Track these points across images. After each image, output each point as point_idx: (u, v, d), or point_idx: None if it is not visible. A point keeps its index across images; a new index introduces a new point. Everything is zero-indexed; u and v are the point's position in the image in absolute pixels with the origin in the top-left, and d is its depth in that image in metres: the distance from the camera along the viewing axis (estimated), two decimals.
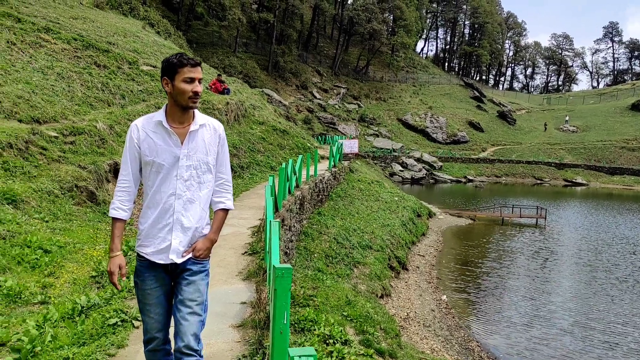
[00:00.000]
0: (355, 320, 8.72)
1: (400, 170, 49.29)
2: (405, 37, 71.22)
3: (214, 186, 3.13)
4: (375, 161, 47.07)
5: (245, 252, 7.91)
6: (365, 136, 58.16)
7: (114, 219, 2.98)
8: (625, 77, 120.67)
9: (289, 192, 12.48)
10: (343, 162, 24.79)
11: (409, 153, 54.22)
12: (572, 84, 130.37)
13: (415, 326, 12.38)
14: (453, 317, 13.58)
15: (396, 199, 23.91)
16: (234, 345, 4.62)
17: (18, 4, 18.07)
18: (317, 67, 69.00)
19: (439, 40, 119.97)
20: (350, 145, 26.78)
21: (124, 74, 16.54)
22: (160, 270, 2.97)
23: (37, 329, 4.62)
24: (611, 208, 37.32)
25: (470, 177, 53.34)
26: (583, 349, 11.95)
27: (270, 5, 58.31)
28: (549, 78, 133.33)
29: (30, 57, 14.32)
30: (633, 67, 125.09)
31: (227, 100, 20.06)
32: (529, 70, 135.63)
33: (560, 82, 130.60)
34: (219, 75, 23.88)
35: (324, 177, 17.75)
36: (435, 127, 64.21)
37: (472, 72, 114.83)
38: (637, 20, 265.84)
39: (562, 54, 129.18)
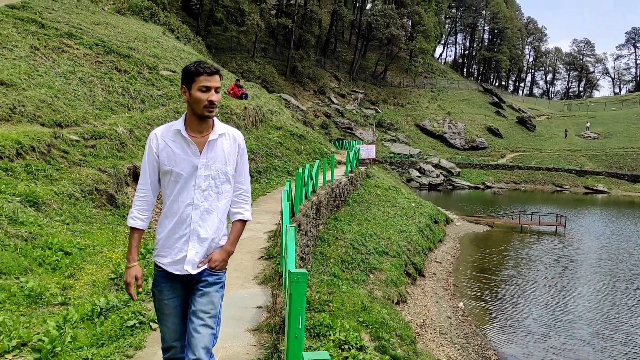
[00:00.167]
0: (370, 326, 8.71)
1: (417, 176, 49.09)
2: (423, 42, 71.07)
3: (233, 196, 3.07)
4: (392, 167, 46.94)
5: (262, 257, 7.95)
6: (383, 141, 58.06)
7: (132, 229, 2.96)
8: None
9: (306, 197, 12.52)
10: (360, 167, 24.78)
11: (426, 159, 53.99)
12: (594, 90, 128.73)
13: (431, 333, 12.30)
14: (470, 325, 13.46)
15: (413, 204, 23.82)
16: (249, 348, 4.65)
17: (42, 10, 18.44)
18: (335, 72, 69.14)
19: (457, 46, 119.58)
20: (367, 151, 26.78)
21: (144, 78, 16.77)
22: (176, 280, 2.93)
23: (57, 330, 4.70)
24: (633, 216, 36.72)
25: (489, 184, 52.89)
26: None
27: (289, 11, 58.71)
28: (569, 84, 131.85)
29: (53, 62, 14.60)
30: None
31: (245, 105, 20.21)
32: (550, 76, 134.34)
33: (581, 88, 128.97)
34: (237, 80, 24.07)
35: (340, 183, 17.77)
36: (453, 132, 63.87)
37: (492, 77, 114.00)
38: None
39: (584, 60, 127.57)
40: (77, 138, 10.86)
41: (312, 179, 13.42)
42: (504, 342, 12.63)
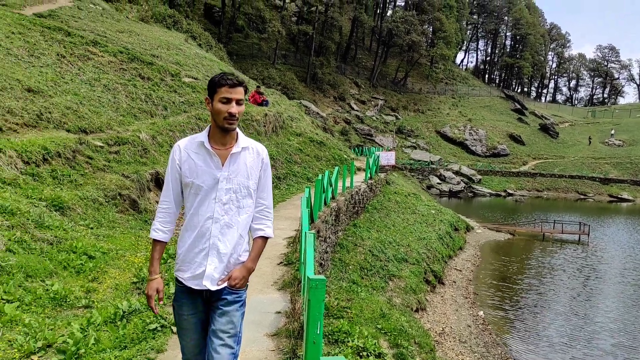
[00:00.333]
0: (389, 334, 8.70)
1: (437, 183, 48.80)
2: (444, 48, 70.77)
3: (254, 212, 3.01)
4: (412, 173, 46.77)
5: (281, 263, 8.02)
6: (403, 148, 57.88)
7: (154, 241, 2.94)
8: None
9: (325, 204, 12.56)
10: (379, 174, 24.76)
11: (447, 165, 53.65)
12: (618, 97, 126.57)
13: (450, 341, 12.21)
14: (490, 334, 13.33)
15: (433, 212, 23.70)
16: (268, 353, 4.71)
17: (68, 19, 18.89)
18: (355, 79, 69.23)
19: (479, 52, 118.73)
20: (387, 157, 26.73)
21: (166, 85, 17.04)
22: (197, 296, 2.88)
23: (81, 332, 4.82)
24: None
25: (510, 191, 52.29)
26: None
27: (309, 18, 59.04)
28: (593, 90, 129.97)
29: (79, 70, 14.92)
30: None
31: (266, 111, 20.38)
32: (573, 82, 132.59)
33: (605, 95, 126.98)
34: (258, 87, 24.27)
35: (360, 189, 17.77)
36: (474, 139, 63.37)
37: (514, 84, 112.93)
38: None
39: (608, 66, 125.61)
40: (102, 144, 11.08)
41: (331, 186, 13.46)
42: (525, 352, 12.48)
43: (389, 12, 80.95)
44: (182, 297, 2.90)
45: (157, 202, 10.54)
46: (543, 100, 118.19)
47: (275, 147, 18.91)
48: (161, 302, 2.94)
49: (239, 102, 2.83)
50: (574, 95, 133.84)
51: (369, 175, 20.52)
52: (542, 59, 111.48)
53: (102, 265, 7.21)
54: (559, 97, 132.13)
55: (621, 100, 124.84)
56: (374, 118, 62.19)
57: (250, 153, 2.95)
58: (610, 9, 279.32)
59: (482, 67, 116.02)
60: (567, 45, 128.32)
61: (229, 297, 2.86)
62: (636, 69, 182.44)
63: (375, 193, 21.70)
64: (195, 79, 18.84)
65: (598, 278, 19.84)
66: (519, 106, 79.77)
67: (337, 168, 14.95)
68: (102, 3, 26.66)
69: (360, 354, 6.10)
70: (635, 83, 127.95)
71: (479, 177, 53.03)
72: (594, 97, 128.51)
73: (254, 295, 6.32)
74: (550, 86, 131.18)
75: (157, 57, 19.11)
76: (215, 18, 55.94)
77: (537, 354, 12.38)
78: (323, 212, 11.82)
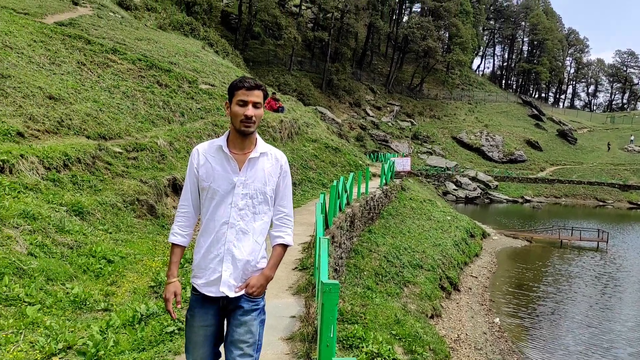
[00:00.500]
0: (403, 340, 8.72)
1: (454, 189, 48.55)
2: (460, 54, 70.54)
3: (274, 219, 2.98)
4: (428, 179, 46.57)
5: (296, 268, 8.09)
6: (419, 154, 57.70)
7: (173, 245, 2.92)
8: None
9: (340, 210, 12.62)
10: (395, 180, 24.74)
11: (463, 172, 53.35)
12: (638, 102, 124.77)
13: (466, 348, 12.16)
14: (506, 341, 13.25)
15: (449, 218, 23.61)
16: (283, 357, 4.77)
17: (88, 27, 19.24)
18: (371, 85, 69.28)
19: (496, 58, 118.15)
20: (403, 163, 26.70)
21: (183, 92, 17.25)
22: (212, 306, 2.82)
23: (100, 334, 4.93)
24: None
25: (528, 198, 51.80)
26: None
27: (325, 24, 59.27)
28: (612, 96, 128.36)
29: (98, 77, 15.20)
30: None
31: (282, 118, 20.52)
32: (592, 88, 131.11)
33: (625, 101, 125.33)
34: (274, 93, 24.44)
35: (375, 195, 17.79)
36: (491, 145, 62.95)
37: (531, 89, 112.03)
38: None
39: (627, 72, 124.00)
40: (120, 150, 11.27)
41: (346, 192, 13.51)
42: None
43: (405, 18, 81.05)
44: (196, 306, 2.84)
45: (174, 207, 10.71)
46: (561, 106, 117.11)
47: (290, 153, 19.02)
48: (179, 306, 2.89)
49: (256, 105, 2.80)
50: (593, 100, 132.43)
51: (384, 181, 20.52)
52: (560, 64, 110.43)
53: (121, 269, 7.34)
54: (577, 103, 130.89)
55: None
56: (390, 124, 62.13)
57: (269, 159, 2.91)
58: (629, 14, 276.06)
59: (498, 72, 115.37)
60: (586, 50, 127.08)
61: (246, 306, 2.80)
62: None
63: (391, 199, 21.69)
64: (212, 85, 19.05)
65: (616, 286, 19.58)
66: (536, 112, 79.10)
67: (352, 174, 15.00)
68: (122, 11, 27.12)
69: (375, 359, 6.13)
70: None
71: (496, 183, 52.65)
72: (613, 102, 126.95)
73: (269, 300, 6.38)
74: (568, 92, 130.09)
75: (175, 64, 19.37)
76: (232, 25, 56.46)
77: None
78: (338, 218, 11.87)
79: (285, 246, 2.99)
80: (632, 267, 23.27)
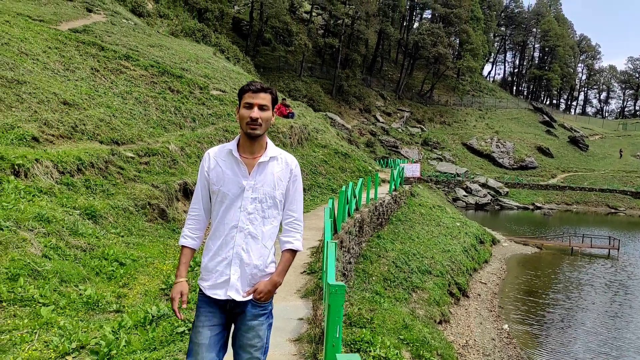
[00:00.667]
0: (411, 344, 8.76)
1: (464, 196, 48.41)
2: (471, 60, 70.49)
3: (283, 224, 2.97)
4: (438, 186, 46.51)
5: (304, 272, 8.18)
6: (429, 160, 57.65)
7: (182, 247, 2.93)
8: None
9: (349, 215, 12.69)
10: (404, 186, 24.76)
11: (473, 178, 53.20)
12: None
13: (474, 354, 12.16)
14: (514, 348, 13.22)
15: (458, 224, 23.58)
16: (290, 357, 4.87)
17: (102, 33, 19.53)
18: (381, 91, 69.40)
19: (507, 64, 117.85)
20: (412, 169, 26.74)
21: (195, 98, 17.45)
22: (218, 309, 2.82)
23: (113, 334, 5.04)
24: None
25: (539, 204, 51.51)
26: None
27: (336, 31, 59.54)
28: (625, 103, 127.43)
29: (112, 83, 15.43)
30: None
31: (292, 123, 20.66)
32: (604, 94, 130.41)
33: (637, 107, 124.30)
34: (284, 99, 24.60)
35: (384, 201, 17.85)
36: (501, 152, 62.76)
37: (542, 96, 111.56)
38: None
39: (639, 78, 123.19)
40: (132, 155, 11.44)
41: (355, 197, 13.58)
42: None
43: (416, 25, 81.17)
44: (202, 306, 2.84)
45: (185, 211, 10.85)
46: (572, 113, 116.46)
47: (300, 158, 19.14)
48: (184, 306, 2.86)
49: (262, 107, 2.80)
50: (605, 107, 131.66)
51: (393, 187, 20.57)
52: (572, 70, 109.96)
53: (132, 271, 7.47)
54: (589, 110, 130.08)
55: None
56: (400, 130, 62.15)
57: (279, 163, 2.91)
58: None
59: (509, 79, 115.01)
60: (598, 56, 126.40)
61: (254, 311, 2.81)
62: None
63: (400, 205, 21.72)
64: (223, 91, 19.24)
65: (627, 294, 19.44)
66: (547, 118, 78.77)
67: (361, 180, 15.06)
68: (135, 18, 27.46)
69: None
70: None
71: (506, 189, 52.44)
72: (625, 109, 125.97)
73: (277, 303, 6.49)
74: (580, 98, 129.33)
75: (187, 70, 19.59)
76: (243, 31, 56.91)
77: None
78: (347, 223, 11.95)
79: (294, 251, 2.96)
80: None
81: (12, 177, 8.11)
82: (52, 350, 4.67)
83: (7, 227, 6.53)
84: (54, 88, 12.57)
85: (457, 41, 76.30)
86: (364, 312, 8.22)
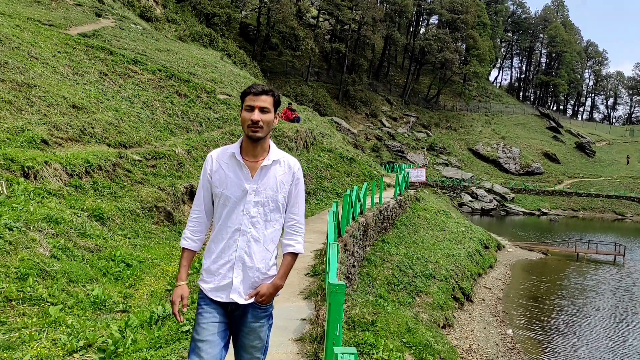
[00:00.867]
0: (414, 348, 8.80)
1: (469, 201, 48.35)
2: (477, 66, 70.51)
3: (285, 227, 2.97)
4: (443, 191, 46.51)
5: (308, 274, 8.28)
6: (434, 165, 57.64)
7: (183, 249, 2.92)
8: None
9: (353, 219, 12.76)
10: (409, 190, 24.81)
11: (479, 183, 53.13)
12: None
13: (477, 359, 12.19)
14: (518, 353, 13.23)
15: (463, 229, 23.60)
16: (292, 356, 4.97)
17: (110, 38, 19.75)
18: (387, 96, 69.49)
19: (513, 69, 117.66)
20: (417, 174, 26.78)
21: (202, 102, 17.62)
22: (219, 308, 2.82)
23: (119, 333, 5.15)
24: None
25: (545, 210, 51.34)
26: None
27: (342, 36, 59.75)
28: (632, 109, 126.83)
29: (120, 87, 15.61)
30: None
31: (297, 128, 20.79)
32: (611, 100, 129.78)
33: None
34: (290, 103, 24.73)
35: (389, 205, 17.91)
36: (507, 157, 62.64)
37: (549, 102, 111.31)
38: None
39: None
40: (140, 158, 11.59)
41: (359, 201, 13.65)
42: None
43: (422, 30, 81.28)
44: (203, 305, 2.83)
45: None
46: (579, 119, 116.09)
47: (305, 162, 19.24)
48: (185, 309, 2.85)
49: (263, 110, 2.79)
50: (612, 113, 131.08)
51: (398, 191, 20.62)
52: (579, 76, 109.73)
53: (139, 273, 7.59)
54: (596, 116, 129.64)
55: None
56: (406, 135, 62.18)
57: (282, 166, 2.89)
58: None
59: (516, 84, 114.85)
60: (605, 62, 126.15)
61: (255, 313, 2.82)
62: None
63: (405, 209, 21.77)
64: (229, 95, 19.41)
65: (632, 300, 19.39)
66: (554, 124, 78.55)
67: (366, 184, 15.14)
68: (143, 23, 27.72)
69: None
70: None
71: (512, 195, 52.32)
72: (633, 115, 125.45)
73: (281, 303, 6.59)
74: (587, 104, 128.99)
75: (194, 74, 19.78)
76: (250, 36, 57.22)
77: None
78: (351, 226, 12.02)
79: (295, 254, 2.96)
80: None
81: (22, 179, 8.26)
82: (60, 348, 4.78)
83: (17, 227, 6.66)
84: (63, 92, 12.75)
85: (464, 46, 76.32)
86: (367, 315, 8.29)
